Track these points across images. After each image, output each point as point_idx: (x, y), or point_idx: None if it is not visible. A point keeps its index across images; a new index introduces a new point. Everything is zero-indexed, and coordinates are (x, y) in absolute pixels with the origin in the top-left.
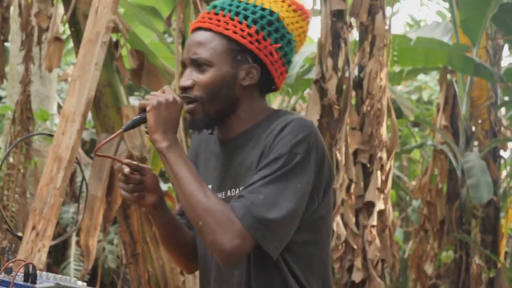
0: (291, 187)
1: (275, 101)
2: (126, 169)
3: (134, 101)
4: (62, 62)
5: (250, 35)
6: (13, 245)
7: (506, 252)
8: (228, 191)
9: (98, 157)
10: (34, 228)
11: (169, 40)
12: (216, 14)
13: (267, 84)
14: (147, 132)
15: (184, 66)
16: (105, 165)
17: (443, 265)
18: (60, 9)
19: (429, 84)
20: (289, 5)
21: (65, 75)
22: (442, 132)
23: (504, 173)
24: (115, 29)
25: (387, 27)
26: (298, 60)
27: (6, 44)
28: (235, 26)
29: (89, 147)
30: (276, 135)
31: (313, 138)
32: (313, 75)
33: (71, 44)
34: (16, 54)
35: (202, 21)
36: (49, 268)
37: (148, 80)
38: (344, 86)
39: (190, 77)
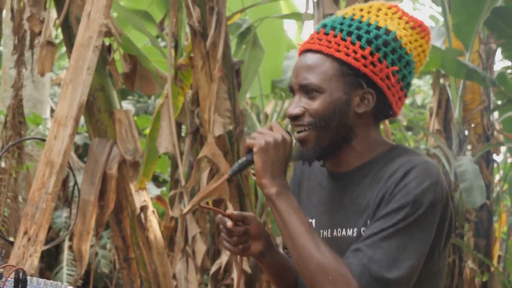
0: (412, 243)
1: (268, 105)
2: (229, 223)
3: (127, 105)
4: (55, 66)
5: (364, 57)
6: (4, 250)
7: (499, 256)
8: (335, 230)
9: (203, 208)
10: (26, 233)
11: (162, 44)
12: (326, 34)
13: (384, 110)
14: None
15: (292, 91)
16: (97, 170)
17: None
18: (53, 13)
19: (422, 88)
20: (407, 22)
21: (58, 79)
22: (435, 136)
23: (497, 177)
24: (108, 33)
25: None
26: (291, 65)
27: None
28: (348, 48)
29: (82, 151)
30: (399, 181)
31: (439, 187)
32: None
33: (64, 48)
34: (9, 58)
35: (311, 42)
36: (42, 273)
37: (141, 84)
38: None
39: (300, 104)
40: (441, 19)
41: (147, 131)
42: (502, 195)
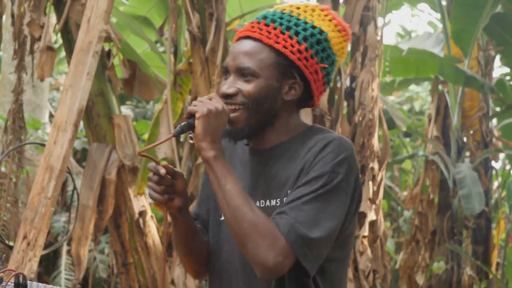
0: (331, 207)
1: None
2: (162, 170)
3: (126, 110)
4: (54, 71)
5: (299, 51)
6: (4, 254)
7: (497, 263)
8: (258, 201)
9: (142, 156)
10: (25, 237)
11: (161, 49)
12: (267, 25)
13: (307, 100)
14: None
15: (226, 72)
16: (96, 174)
17: (435, 276)
18: (53, 18)
19: (420, 94)
20: (336, 25)
21: (57, 84)
22: (433, 143)
23: (495, 184)
24: (107, 39)
25: (378, 38)
26: None
27: None
28: (286, 41)
29: (81, 156)
30: (317, 153)
31: (353, 159)
32: None
33: (63, 53)
34: (9, 63)
35: (252, 30)
36: (40, 277)
37: (140, 89)
38: (336, 97)
39: (234, 85)
40: (440, 25)
41: (146, 136)
42: (500, 202)
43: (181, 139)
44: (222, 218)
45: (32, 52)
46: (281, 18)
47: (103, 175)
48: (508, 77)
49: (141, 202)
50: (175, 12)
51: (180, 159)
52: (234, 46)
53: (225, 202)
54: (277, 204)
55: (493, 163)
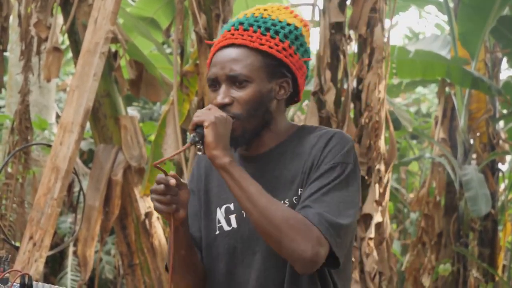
0: (348, 195)
1: None
2: (172, 181)
3: (132, 111)
4: (61, 72)
5: (284, 49)
6: (10, 255)
7: (504, 266)
8: None
9: (156, 168)
10: (31, 238)
11: (168, 51)
12: (246, 30)
13: (294, 96)
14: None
15: (214, 83)
16: (102, 175)
17: (441, 278)
18: (59, 19)
19: (427, 96)
20: (301, 20)
21: (64, 85)
22: (440, 145)
23: (502, 186)
24: (114, 40)
25: (385, 40)
26: None
27: (5, 53)
28: (269, 41)
29: (87, 157)
30: (323, 147)
31: (354, 150)
32: (311, 87)
33: (70, 54)
34: (15, 64)
35: (233, 38)
36: (46, 278)
37: (147, 90)
38: (343, 98)
39: (228, 94)
40: (447, 27)
41: (152, 137)
42: (507, 204)
43: (187, 140)
44: (217, 232)
45: (39, 53)
46: (256, 21)
47: (109, 176)
48: None
49: (147, 203)
50: (182, 13)
51: (187, 160)
52: (217, 56)
53: (251, 204)
54: (286, 204)
55: (499, 165)
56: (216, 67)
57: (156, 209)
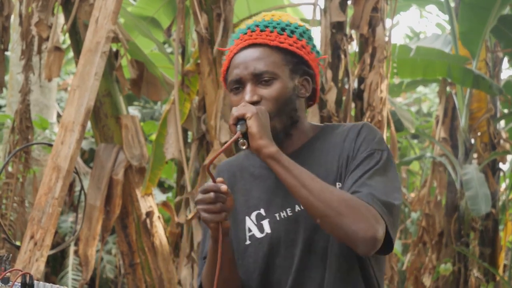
0: (391, 178)
1: None
2: (224, 186)
3: (133, 111)
4: (62, 71)
5: (303, 46)
6: (11, 254)
7: (504, 265)
8: (296, 206)
9: (207, 173)
10: (32, 237)
11: (168, 50)
12: (263, 31)
13: (313, 96)
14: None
15: (238, 85)
16: (103, 175)
17: (442, 278)
18: (61, 18)
19: (428, 96)
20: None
21: (65, 84)
22: (441, 144)
23: (503, 186)
24: (115, 39)
25: (387, 39)
26: None
27: (6, 53)
28: (287, 39)
29: (88, 156)
30: (355, 139)
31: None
32: None
33: (71, 54)
34: (16, 63)
35: (252, 38)
36: (47, 277)
37: (148, 90)
38: (344, 98)
39: (256, 92)
40: (448, 27)
41: (153, 137)
42: (508, 204)
43: (188, 140)
44: (248, 242)
45: (39, 52)
46: (270, 23)
47: (110, 176)
48: None
49: (148, 202)
50: (183, 13)
51: (188, 159)
52: (238, 58)
53: (306, 189)
54: None
55: (500, 165)
56: (238, 68)
57: (205, 220)
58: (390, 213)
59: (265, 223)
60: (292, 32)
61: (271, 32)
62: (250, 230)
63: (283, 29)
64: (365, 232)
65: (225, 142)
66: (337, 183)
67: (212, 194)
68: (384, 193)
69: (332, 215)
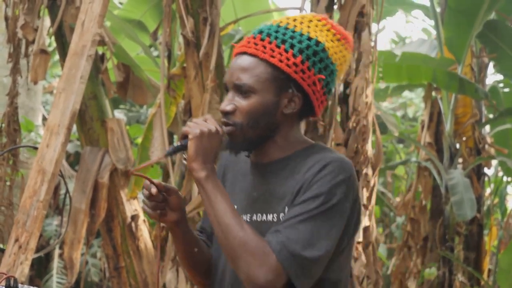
0: (326, 227)
1: None
2: (154, 189)
3: (119, 114)
4: (48, 74)
5: (295, 64)
6: None
7: (489, 270)
8: (255, 215)
9: (134, 175)
10: (16, 240)
11: (155, 53)
12: (262, 40)
13: (307, 112)
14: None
15: (226, 89)
16: (89, 178)
17: (426, 282)
18: (47, 21)
19: (414, 100)
20: (334, 34)
21: (51, 87)
22: (426, 149)
23: (488, 191)
24: (101, 42)
25: (373, 44)
26: None
27: None
28: (281, 55)
29: (74, 159)
30: (316, 173)
31: (351, 182)
32: None
33: (57, 57)
34: (3, 66)
35: (247, 46)
36: (32, 281)
37: (134, 93)
38: (329, 102)
39: (233, 101)
40: (434, 32)
41: (139, 140)
42: (492, 208)
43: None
44: None
45: (27, 55)
46: (276, 31)
47: (95, 179)
48: (501, 84)
49: (134, 206)
50: (169, 16)
51: (173, 163)
52: (232, 62)
53: (216, 221)
54: (274, 219)
55: (485, 169)
56: (228, 73)
57: (143, 210)
58: (300, 265)
59: None
60: (292, 46)
61: (269, 43)
62: None
63: (283, 41)
64: (255, 278)
65: None
66: (286, 208)
67: (147, 192)
68: (303, 244)
69: (230, 254)
